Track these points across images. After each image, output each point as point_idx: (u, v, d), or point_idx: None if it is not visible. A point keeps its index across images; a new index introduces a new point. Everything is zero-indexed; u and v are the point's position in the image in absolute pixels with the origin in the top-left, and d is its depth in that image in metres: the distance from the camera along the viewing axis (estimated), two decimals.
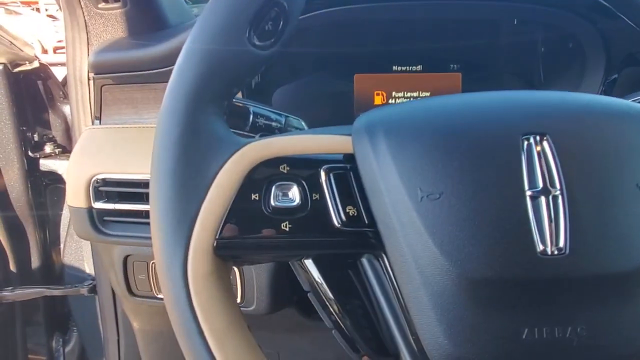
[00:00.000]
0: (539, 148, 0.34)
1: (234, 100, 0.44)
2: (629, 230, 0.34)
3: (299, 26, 0.41)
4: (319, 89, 0.81)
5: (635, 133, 0.36)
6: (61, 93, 0.98)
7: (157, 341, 0.85)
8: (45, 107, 0.98)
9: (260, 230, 0.37)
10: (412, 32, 0.78)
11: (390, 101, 0.78)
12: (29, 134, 0.97)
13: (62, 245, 1.05)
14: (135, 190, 0.64)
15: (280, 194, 0.37)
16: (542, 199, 0.33)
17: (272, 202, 0.37)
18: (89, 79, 0.71)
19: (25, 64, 0.94)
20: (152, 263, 0.71)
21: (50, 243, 1.05)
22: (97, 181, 0.64)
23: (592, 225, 0.33)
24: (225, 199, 0.36)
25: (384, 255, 0.37)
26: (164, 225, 0.35)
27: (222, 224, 0.36)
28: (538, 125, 0.35)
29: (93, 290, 0.93)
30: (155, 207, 0.36)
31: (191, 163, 0.36)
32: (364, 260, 0.39)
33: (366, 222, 0.37)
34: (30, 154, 0.97)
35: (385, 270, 0.38)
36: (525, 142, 0.34)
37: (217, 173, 0.36)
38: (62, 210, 1.05)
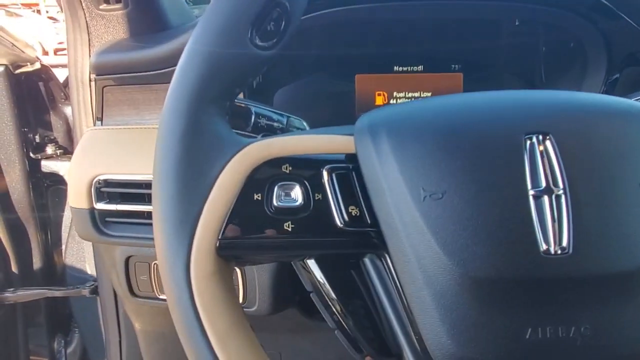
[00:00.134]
0: (541, 147, 0.34)
1: (235, 100, 0.44)
2: (633, 230, 0.34)
3: (300, 26, 0.41)
4: (320, 89, 0.81)
5: (638, 132, 0.36)
6: (62, 94, 0.98)
7: (159, 342, 0.85)
8: (47, 109, 0.98)
9: (262, 231, 0.37)
10: (413, 33, 0.78)
11: (391, 101, 0.78)
12: (31, 135, 0.97)
13: (63, 247, 1.05)
14: (137, 191, 0.64)
15: (283, 194, 0.37)
16: (545, 198, 0.33)
17: (275, 202, 0.37)
18: (90, 80, 0.71)
19: (27, 65, 0.94)
20: (154, 264, 0.71)
21: (52, 244, 1.05)
22: (98, 182, 0.65)
23: (595, 225, 0.33)
24: (227, 199, 0.36)
25: (386, 255, 0.37)
26: (167, 226, 0.35)
27: (224, 224, 0.36)
28: (541, 125, 0.35)
29: (95, 291, 0.93)
30: (158, 207, 0.36)
31: (194, 163, 0.36)
32: (367, 260, 0.39)
33: (369, 222, 0.37)
34: (31, 155, 0.97)
35: (387, 270, 0.38)
36: (528, 142, 0.34)
37: (219, 173, 0.36)
38: (63, 211, 1.05)
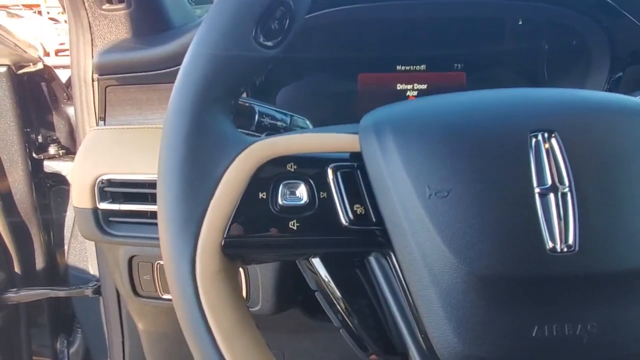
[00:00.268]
0: (547, 145, 0.34)
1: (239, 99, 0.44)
2: (639, 227, 0.33)
3: (303, 26, 0.41)
4: (323, 88, 0.81)
5: None
6: (65, 94, 0.98)
7: (162, 342, 0.85)
8: (49, 109, 0.98)
9: (268, 229, 0.37)
10: (415, 32, 0.78)
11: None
12: (33, 136, 0.97)
13: (66, 247, 1.05)
14: (140, 191, 0.64)
15: (288, 192, 0.37)
16: (551, 196, 0.33)
17: (280, 201, 0.37)
18: (93, 80, 0.71)
19: (29, 65, 0.94)
20: (157, 264, 0.71)
21: (55, 244, 1.06)
22: (102, 182, 0.65)
23: (602, 222, 0.33)
24: (232, 198, 0.36)
25: (391, 254, 0.37)
26: (172, 225, 0.35)
27: (229, 223, 0.36)
28: (546, 122, 0.35)
29: (97, 291, 0.93)
30: (163, 206, 0.36)
31: (198, 162, 0.36)
32: (372, 259, 0.39)
33: (374, 220, 0.37)
34: (34, 155, 0.97)
35: (393, 269, 0.38)
36: (534, 139, 0.34)
37: (224, 172, 0.36)
38: (66, 211, 1.05)
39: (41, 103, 0.98)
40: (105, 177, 0.65)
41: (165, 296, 0.72)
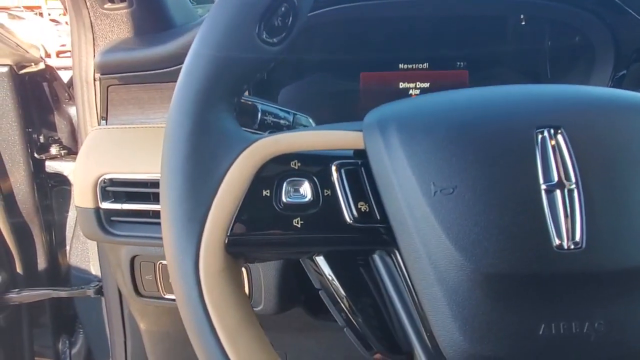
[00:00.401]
0: (553, 141, 0.34)
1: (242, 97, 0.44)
2: None
3: (305, 24, 0.40)
4: (325, 87, 0.80)
5: None
6: (66, 94, 0.98)
7: (164, 342, 0.85)
8: (51, 109, 0.98)
9: (271, 227, 0.36)
10: (418, 30, 0.78)
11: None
12: (35, 136, 0.97)
13: (68, 247, 1.05)
14: (143, 190, 0.64)
15: (292, 190, 0.37)
16: (558, 192, 0.33)
17: (284, 199, 0.36)
18: (95, 80, 0.71)
19: (31, 65, 0.94)
20: (160, 263, 0.71)
21: (57, 245, 1.05)
22: (104, 181, 0.64)
23: (609, 219, 0.33)
24: (236, 196, 0.36)
25: (396, 252, 0.37)
26: (175, 223, 0.35)
27: (233, 221, 0.36)
28: (552, 119, 0.34)
29: (99, 291, 0.93)
30: (166, 205, 0.36)
31: (201, 160, 0.36)
32: (376, 257, 0.39)
33: (378, 218, 0.36)
34: (36, 155, 0.97)
35: (398, 267, 0.37)
36: (540, 136, 0.34)
37: (227, 169, 0.36)
38: (68, 211, 1.05)
39: (43, 103, 0.98)
40: (107, 177, 0.64)
41: (168, 296, 0.72)
